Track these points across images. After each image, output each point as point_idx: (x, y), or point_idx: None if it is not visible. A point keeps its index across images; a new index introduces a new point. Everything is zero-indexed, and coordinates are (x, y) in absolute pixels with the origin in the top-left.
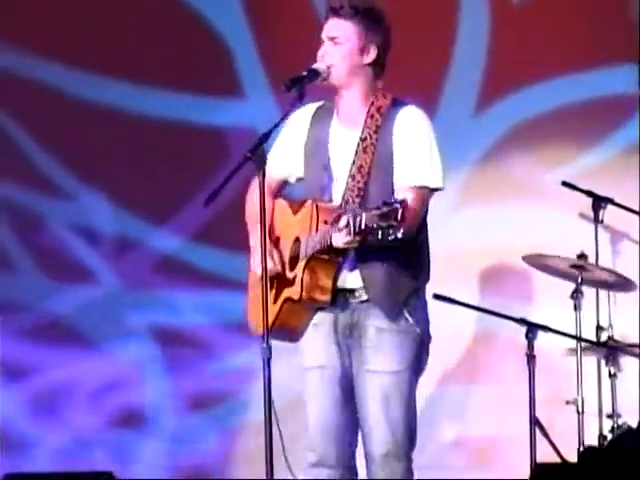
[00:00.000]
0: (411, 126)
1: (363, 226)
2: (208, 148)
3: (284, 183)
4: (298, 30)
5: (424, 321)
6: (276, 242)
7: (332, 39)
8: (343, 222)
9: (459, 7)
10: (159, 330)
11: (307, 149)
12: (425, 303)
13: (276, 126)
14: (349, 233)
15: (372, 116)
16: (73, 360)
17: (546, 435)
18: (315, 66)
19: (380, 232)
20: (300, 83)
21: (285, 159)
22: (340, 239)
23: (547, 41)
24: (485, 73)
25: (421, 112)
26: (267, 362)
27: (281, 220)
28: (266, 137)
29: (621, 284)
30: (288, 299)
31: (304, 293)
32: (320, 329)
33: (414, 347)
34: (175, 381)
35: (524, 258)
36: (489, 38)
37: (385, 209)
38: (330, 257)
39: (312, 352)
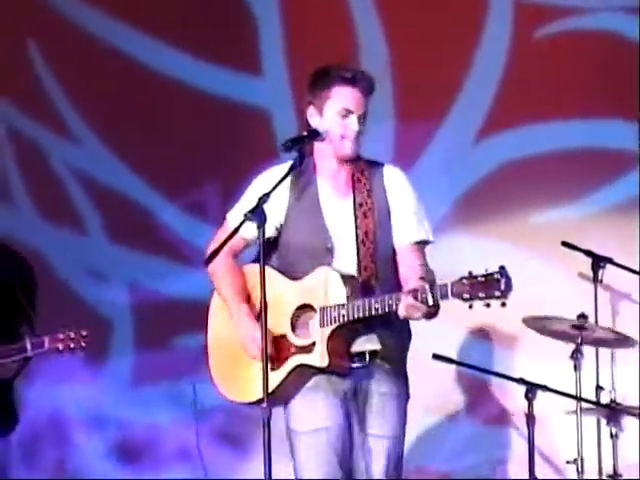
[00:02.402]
0: (401, 185)
1: (465, 296)
2: (217, 120)
3: (247, 245)
4: (324, 18)
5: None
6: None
7: (362, 116)
8: (429, 296)
9: (481, 32)
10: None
11: (291, 214)
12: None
13: (276, 187)
14: (427, 305)
15: (359, 180)
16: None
17: None
18: (316, 126)
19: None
20: (301, 143)
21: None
22: (414, 311)
23: (559, 82)
24: (493, 103)
25: (400, 170)
26: (267, 422)
27: (270, 285)
28: (267, 196)
29: (621, 341)
30: (302, 366)
31: (332, 360)
32: (318, 392)
33: (406, 410)
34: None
35: (524, 321)
36: (504, 69)
37: (482, 279)
38: (355, 324)
39: (310, 415)
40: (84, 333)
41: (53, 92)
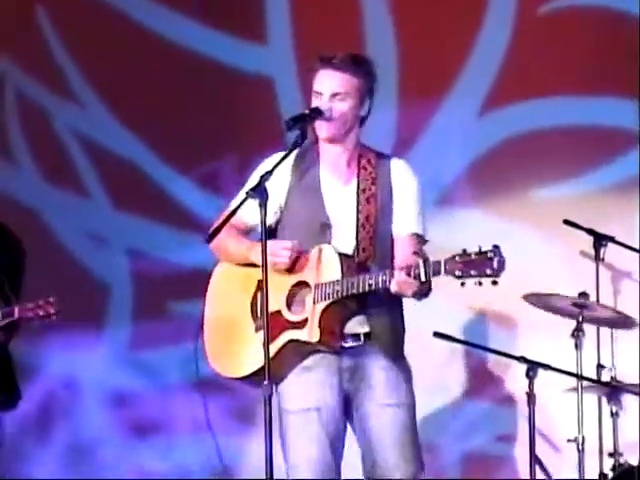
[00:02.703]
0: (407, 178)
1: (457, 273)
2: (217, 86)
3: (248, 231)
4: None
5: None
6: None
7: (335, 95)
8: (421, 272)
9: (486, 7)
10: (134, 256)
11: (292, 197)
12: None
13: (277, 165)
14: (420, 281)
15: (365, 168)
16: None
17: (547, 473)
18: (317, 104)
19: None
20: (302, 122)
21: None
22: (406, 287)
23: (561, 59)
24: (496, 79)
25: (409, 165)
26: (268, 400)
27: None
28: (269, 174)
29: (622, 322)
30: (294, 341)
31: (323, 337)
32: (314, 372)
33: (411, 381)
34: None
35: (525, 297)
36: (508, 45)
37: (475, 257)
38: (348, 302)
39: (303, 395)
40: (52, 300)
41: (60, 56)
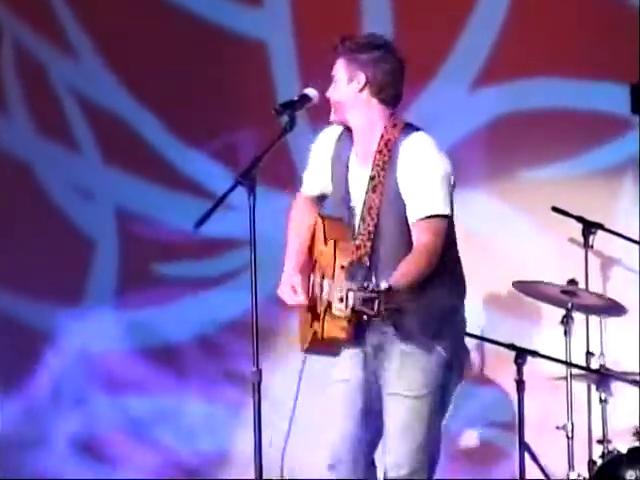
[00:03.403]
0: (412, 157)
1: (351, 305)
2: (210, 47)
3: (322, 197)
4: None
5: (454, 345)
6: (313, 266)
7: (336, 81)
8: (337, 297)
9: None
10: (122, 214)
11: (332, 177)
12: (457, 327)
13: (266, 152)
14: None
15: (380, 151)
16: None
17: (536, 460)
18: (306, 91)
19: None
20: (291, 108)
21: (317, 179)
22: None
23: (555, 40)
24: (488, 56)
25: (422, 139)
26: (257, 386)
27: (316, 244)
28: (258, 160)
29: (612, 309)
30: (315, 332)
31: (325, 334)
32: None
33: (439, 372)
34: None
35: (514, 284)
36: (501, 24)
37: (367, 295)
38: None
39: (339, 367)
40: None
41: (60, 10)
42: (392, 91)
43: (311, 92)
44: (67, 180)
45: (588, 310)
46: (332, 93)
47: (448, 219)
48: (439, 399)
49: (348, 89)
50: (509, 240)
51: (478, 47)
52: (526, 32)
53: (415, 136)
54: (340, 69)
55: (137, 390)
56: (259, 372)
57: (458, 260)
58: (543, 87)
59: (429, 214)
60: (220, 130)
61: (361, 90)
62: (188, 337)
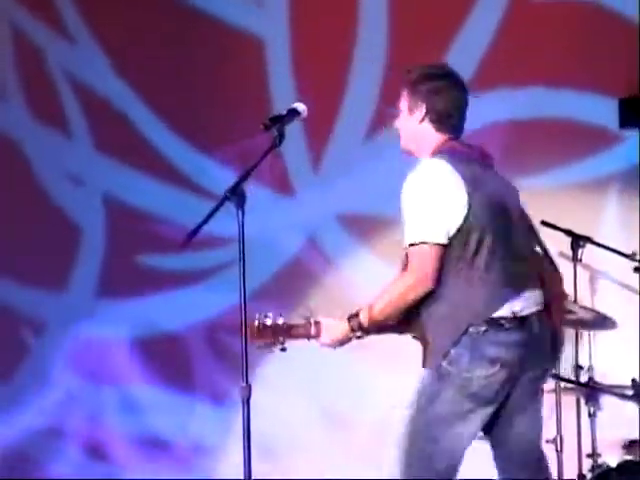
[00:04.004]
0: (403, 190)
1: None
2: (210, 42)
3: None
4: None
5: (467, 364)
6: None
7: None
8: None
9: None
10: (110, 202)
11: None
12: (471, 346)
13: (254, 167)
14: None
15: None
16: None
17: None
18: (295, 105)
19: None
20: (279, 122)
21: None
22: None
23: (545, 52)
24: (478, 66)
25: (418, 166)
26: (247, 402)
27: None
28: (247, 175)
29: (600, 322)
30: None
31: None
32: None
33: (421, 394)
34: None
35: None
36: (494, 33)
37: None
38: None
39: None
40: None
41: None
42: (452, 121)
43: (300, 106)
44: (57, 165)
45: (577, 324)
46: (397, 123)
47: (436, 242)
48: (434, 415)
49: (409, 120)
50: None
51: (469, 57)
52: (517, 43)
53: (419, 164)
54: (403, 100)
55: (118, 379)
56: (249, 387)
57: (460, 290)
58: (531, 97)
59: (406, 244)
60: (212, 122)
61: (421, 121)
62: (174, 327)
